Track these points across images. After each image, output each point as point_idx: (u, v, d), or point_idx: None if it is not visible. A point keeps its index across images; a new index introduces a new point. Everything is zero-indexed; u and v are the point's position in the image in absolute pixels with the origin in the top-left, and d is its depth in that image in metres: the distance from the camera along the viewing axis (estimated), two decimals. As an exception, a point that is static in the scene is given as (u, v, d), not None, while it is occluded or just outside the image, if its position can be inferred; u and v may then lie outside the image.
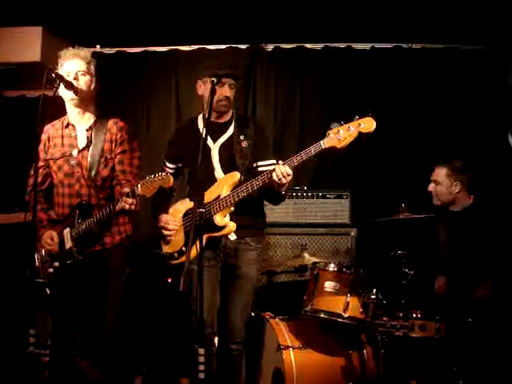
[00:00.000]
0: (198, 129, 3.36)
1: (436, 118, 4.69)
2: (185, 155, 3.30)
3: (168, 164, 3.46)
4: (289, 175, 3.03)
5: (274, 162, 3.19)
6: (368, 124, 2.96)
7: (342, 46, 4.86)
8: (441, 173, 3.75)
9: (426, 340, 3.33)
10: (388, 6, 4.38)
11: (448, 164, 3.75)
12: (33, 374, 3.00)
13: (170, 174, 3.43)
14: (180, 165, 3.41)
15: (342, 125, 2.97)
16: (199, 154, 2.82)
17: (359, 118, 2.97)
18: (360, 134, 2.96)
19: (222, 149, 3.32)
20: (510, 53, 4.61)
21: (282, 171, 3.02)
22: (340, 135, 2.96)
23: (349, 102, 4.79)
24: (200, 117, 3.43)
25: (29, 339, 2.81)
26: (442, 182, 3.73)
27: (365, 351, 3.42)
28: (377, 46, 4.82)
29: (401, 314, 3.35)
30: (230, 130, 3.35)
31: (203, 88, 3.35)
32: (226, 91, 3.26)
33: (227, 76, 3.23)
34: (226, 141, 3.33)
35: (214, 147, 3.32)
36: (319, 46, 4.89)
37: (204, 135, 2.91)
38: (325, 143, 2.99)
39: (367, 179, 4.67)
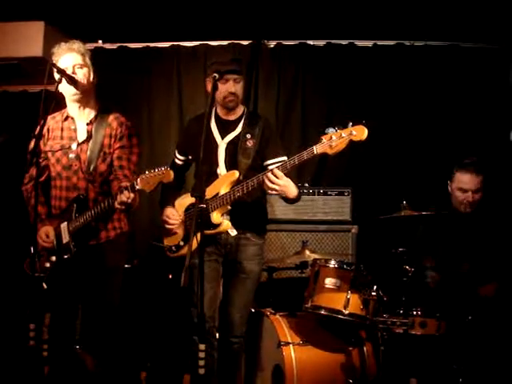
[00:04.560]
0: (209, 124, 3.37)
1: (437, 115, 4.68)
2: (193, 148, 3.30)
3: (177, 155, 3.51)
4: (277, 180, 3.04)
5: (285, 158, 3.20)
6: (359, 132, 2.96)
7: (345, 42, 4.85)
8: (478, 180, 3.71)
9: (427, 337, 3.33)
10: (390, 3, 4.38)
11: (480, 170, 3.71)
12: (34, 368, 3.00)
13: (181, 165, 3.47)
14: (190, 157, 3.44)
15: (336, 131, 2.99)
16: (200, 150, 2.82)
17: (352, 126, 2.98)
18: (352, 141, 2.97)
19: (229, 146, 3.33)
20: (512, 50, 4.61)
21: (269, 177, 3.05)
22: (332, 142, 2.97)
23: (351, 98, 4.79)
24: (212, 112, 3.43)
25: (29, 334, 2.81)
26: (481, 190, 3.71)
27: (365, 348, 3.43)
28: (379, 43, 4.81)
29: (401, 311, 3.35)
30: (239, 128, 3.36)
31: (211, 86, 3.33)
32: (230, 87, 3.27)
33: (229, 72, 3.23)
34: (233, 138, 3.34)
35: (222, 144, 3.33)
36: (321, 43, 4.88)
37: (205, 132, 2.90)
38: (317, 149, 3.01)
39: (369, 176, 4.67)
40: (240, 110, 3.41)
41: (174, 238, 3.37)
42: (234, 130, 3.35)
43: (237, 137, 3.33)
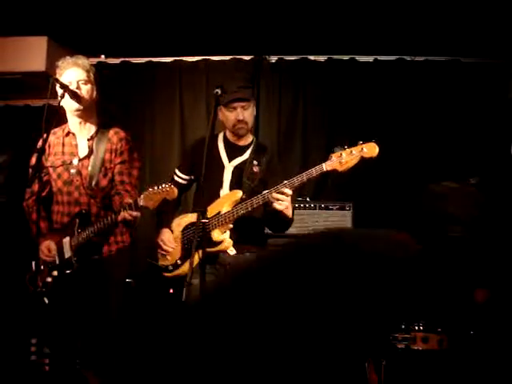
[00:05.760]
0: (217, 146, 3.37)
1: (438, 129, 4.69)
2: (198, 168, 3.28)
3: (180, 174, 3.46)
4: (287, 196, 3.04)
5: None
6: (371, 149, 3.00)
7: (346, 58, 4.88)
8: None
9: (428, 352, 3.32)
10: (391, 18, 4.40)
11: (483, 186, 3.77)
12: (35, 383, 2.99)
13: (182, 184, 3.46)
14: (192, 177, 3.43)
15: (344, 149, 3.01)
16: (202, 171, 2.84)
17: (362, 143, 3.00)
18: (363, 158, 2.99)
19: (235, 170, 3.32)
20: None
21: (275, 196, 3.04)
22: (342, 158, 2.99)
23: (352, 113, 4.80)
24: (221, 135, 3.43)
25: (30, 348, 2.80)
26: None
27: (366, 363, 3.40)
28: (380, 58, 4.84)
29: (403, 326, 3.34)
30: (247, 155, 3.35)
31: (221, 113, 3.32)
32: (238, 114, 3.25)
33: (235, 100, 3.22)
34: (240, 163, 3.34)
35: (229, 166, 3.33)
36: (323, 58, 4.91)
37: (206, 150, 2.91)
38: (326, 166, 3.03)
39: (370, 191, 4.67)
40: (249, 138, 3.41)
41: (170, 257, 3.34)
42: (241, 155, 3.35)
43: (244, 162, 3.32)
